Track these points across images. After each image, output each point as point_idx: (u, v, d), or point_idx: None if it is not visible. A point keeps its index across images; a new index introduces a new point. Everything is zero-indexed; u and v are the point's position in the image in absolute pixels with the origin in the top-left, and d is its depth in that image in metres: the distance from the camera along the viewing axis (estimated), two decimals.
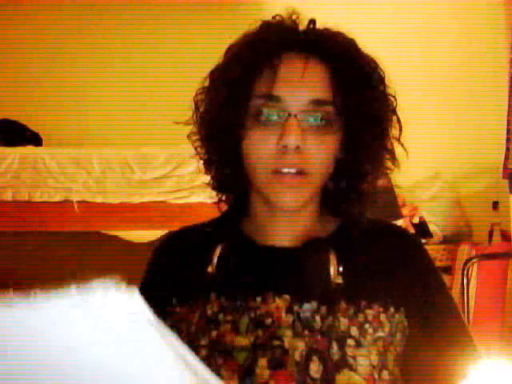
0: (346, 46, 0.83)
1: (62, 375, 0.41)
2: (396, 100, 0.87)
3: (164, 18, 3.45)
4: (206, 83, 0.87)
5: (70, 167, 2.67)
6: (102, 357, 0.40)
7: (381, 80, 0.85)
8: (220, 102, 0.84)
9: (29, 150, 2.85)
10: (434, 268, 0.91)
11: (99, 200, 2.64)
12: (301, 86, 0.80)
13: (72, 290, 0.39)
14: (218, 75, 0.86)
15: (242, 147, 0.83)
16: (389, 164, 0.88)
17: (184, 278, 0.90)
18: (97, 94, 3.40)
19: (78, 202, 2.63)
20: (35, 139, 3.26)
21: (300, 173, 0.81)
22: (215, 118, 0.85)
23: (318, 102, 0.80)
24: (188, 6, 3.39)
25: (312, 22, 0.85)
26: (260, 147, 0.81)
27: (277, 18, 0.86)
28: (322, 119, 0.81)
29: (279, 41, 0.82)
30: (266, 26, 0.84)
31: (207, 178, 0.93)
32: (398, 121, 0.87)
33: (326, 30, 0.85)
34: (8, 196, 2.63)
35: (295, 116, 0.79)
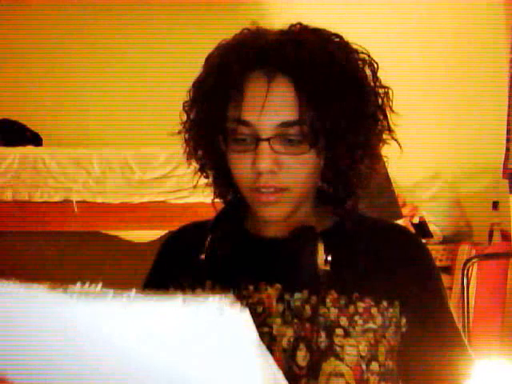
0: (312, 59, 0.78)
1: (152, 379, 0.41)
2: (384, 96, 0.85)
3: (164, 18, 3.45)
4: (191, 93, 0.87)
5: (70, 167, 2.67)
6: (195, 372, 0.40)
7: (360, 81, 0.82)
8: (200, 123, 0.85)
9: (29, 149, 2.85)
10: (435, 270, 0.91)
11: (99, 200, 2.64)
12: (268, 110, 0.78)
13: (178, 300, 0.39)
14: (195, 93, 0.86)
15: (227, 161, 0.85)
16: (375, 167, 0.87)
17: (181, 268, 0.93)
18: (97, 93, 3.40)
19: (78, 202, 2.63)
20: (35, 139, 3.26)
21: (279, 190, 0.81)
22: (198, 135, 0.87)
23: (286, 125, 0.79)
24: (188, 6, 3.39)
25: (280, 33, 0.83)
26: (238, 169, 0.82)
27: (244, 32, 0.84)
28: (293, 140, 0.80)
29: (242, 65, 0.80)
30: (231, 48, 0.83)
31: (205, 179, 0.94)
32: (385, 118, 0.85)
33: (295, 42, 0.80)
34: (8, 196, 2.63)
35: (267, 140, 0.79)
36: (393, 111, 0.86)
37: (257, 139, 0.79)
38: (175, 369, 0.41)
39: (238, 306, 0.40)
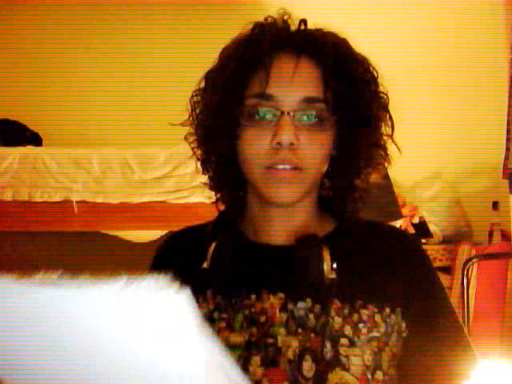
0: (336, 45, 0.84)
1: (90, 365, 0.42)
2: (388, 98, 0.87)
3: (164, 18, 3.45)
4: (202, 84, 0.89)
5: (70, 167, 2.67)
6: (135, 351, 0.42)
7: (372, 78, 0.86)
8: (215, 102, 0.85)
9: (29, 149, 2.84)
10: (433, 270, 0.91)
11: (99, 200, 2.64)
12: (293, 85, 0.81)
13: (120, 282, 0.42)
14: (212, 76, 0.87)
15: (237, 146, 0.85)
16: (381, 160, 0.89)
17: (181, 277, 0.90)
18: (97, 94, 3.40)
19: (78, 202, 2.63)
20: (35, 139, 3.26)
21: (294, 168, 0.82)
22: (211, 118, 0.86)
23: (309, 100, 0.81)
24: (188, 6, 3.40)
25: (303, 22, 0.86)
26: (254, 145, 0.82)
27: (269, 19, 0.87)
28: (314, 117, 0.82)
29: (271, 41, 0.83)
30: (259, 27, 0.85)
31: (205, 178, 0.93)
32: (390, 118, 0.87)
33: (318, 30, 0.86)
34: (8, 196, 2.63)
35: (288, 113, 0.80)
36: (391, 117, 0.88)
37: (280, 112, 0.80)
38: (116, 346, 0.42)
39: (175, 286, 0.42)
